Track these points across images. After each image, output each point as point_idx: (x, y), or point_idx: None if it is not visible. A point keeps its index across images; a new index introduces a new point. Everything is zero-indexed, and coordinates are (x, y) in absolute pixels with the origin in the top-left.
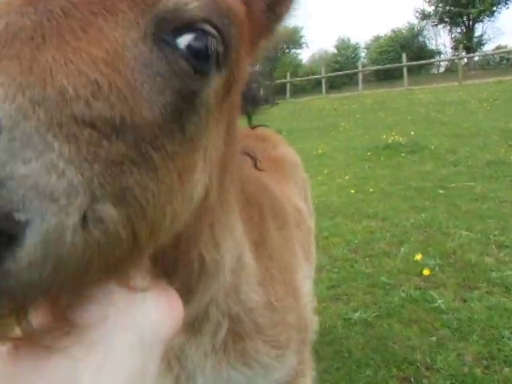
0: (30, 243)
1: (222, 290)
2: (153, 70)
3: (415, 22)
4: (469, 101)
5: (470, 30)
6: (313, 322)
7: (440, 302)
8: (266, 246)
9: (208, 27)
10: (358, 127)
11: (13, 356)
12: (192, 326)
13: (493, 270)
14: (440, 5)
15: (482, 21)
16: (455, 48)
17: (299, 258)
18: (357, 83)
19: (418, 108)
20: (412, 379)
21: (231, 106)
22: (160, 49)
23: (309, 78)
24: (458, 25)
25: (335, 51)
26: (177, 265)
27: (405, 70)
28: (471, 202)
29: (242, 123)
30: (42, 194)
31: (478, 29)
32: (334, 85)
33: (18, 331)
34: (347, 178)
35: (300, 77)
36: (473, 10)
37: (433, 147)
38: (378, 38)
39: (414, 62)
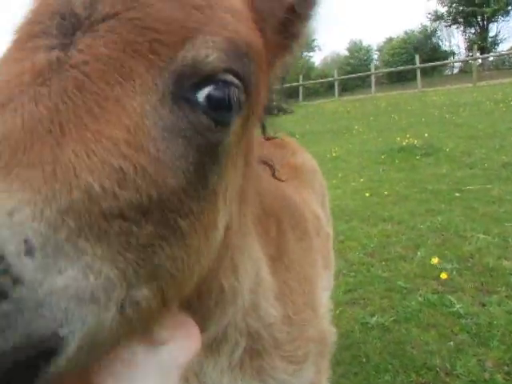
0: (71, 348)
1: (240, 311)
2: (174, 133)
3: (428, 23)
4: (484, 102)
5: (484, 29)
6: (331, 333)
7: (458, 306)
8: (284, 259)
9: (229, 77)
10: (371, 130)
11: None
12: (210, 347)
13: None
14: (453, 5)
15: (496, 20)
16: (469, 49)
17: (318, 269)
18: (369, 86)
19: (432, 110)
20: None
21: (249, 134)
22: (180, 108)
23: (321, 80)
24: (471, 25)
25: (347, 54)
26: (196, 296)
27: (418, 72)
28: (488, 205)
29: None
30: (83, 299)
31: (493, 29)
32: (347, 87)
33: None
34: (362, 181)
35: (313, 80)
36: (487, 10)
37: (448, 149)
38: (390, 40)
39: (428, 64)
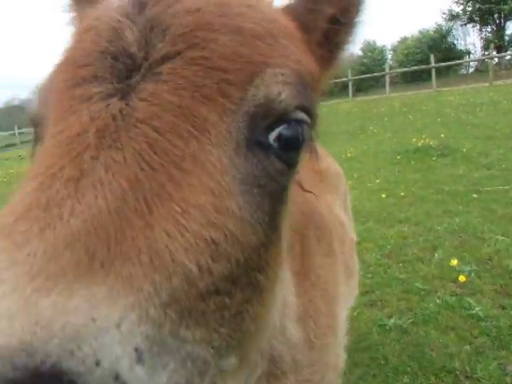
0: None
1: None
2: (250, 184)
3: (443, 22)
4: (500, 102)
5: (501, 28)
6: (343, 360)
7: (477, 309)
8: (311, 275)
9: (301, 115)
10: (386, 130)
11: None
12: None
13: None
14: (469, 3)
15: None
16: (485, 47)
17: (341, 286)
18: (384, 86)
19: (447, 110)
20: None
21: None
22: (254, 154)
23: (335, 80)
24: (488, 23)
25: (361, 54)
26: None
27: (433, 72)
28: (506, 206)
29: None
30: None
31: (510, 27)
32: (361, 88)
33: None
34: (377, 182)
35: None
36: (505, 7)
37: (465, 150)
38: (404, 40)
39: (443, 64)
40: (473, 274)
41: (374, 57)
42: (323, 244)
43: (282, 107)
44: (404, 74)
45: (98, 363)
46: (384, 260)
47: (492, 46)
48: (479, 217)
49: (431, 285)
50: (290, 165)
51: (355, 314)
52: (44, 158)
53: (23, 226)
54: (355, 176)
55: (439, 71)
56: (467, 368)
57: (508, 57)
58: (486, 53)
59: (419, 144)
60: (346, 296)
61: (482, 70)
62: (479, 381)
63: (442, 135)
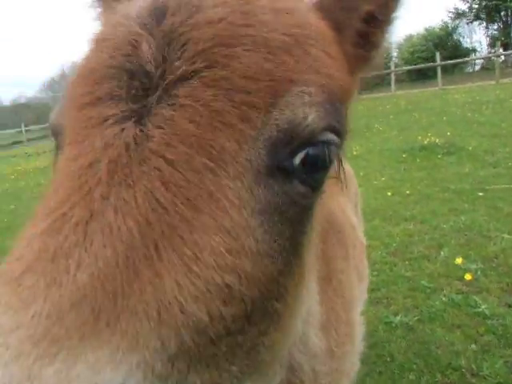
0: None
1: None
2: (269, 213)
3: (449, 20)
4: (507, 100)
5: (507, 25)
6: (357, 367)
7: (483, 307)
8: (333, 280)
9: (329, 136)
10: (392, 128)
11: None
12: None
13: None
14: (475, 0)
15: None
16: (492, 45)
17: (356, 291)
18: (389, 84)
19: (453, 108)
20: None
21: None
22: (275, 180)
23: None
24: (494, 21)
25: None
26: None
27: (439, 70)
28: None
29: None
30: None
31: None
32: (366, 86)
33: None
34: (383, 179)
35: None
36: (511, 4)
37: (470, 148)
38: (410, 38)
39: (449, 61)
40: (479, 272)
41: None
42: (342, 247)
43: (307, 132)
44: (409, 71)
45: None
46: (390, 258)
47: (498, 43)
48: (485, 215)
49: (437, 283)
50: (315, 187)
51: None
52: (56, 191)
53: (30, 279)
54: (361, 174)
55: (445, 69)
56: (473, 366)
57: None
58: (493, 50)
59: (425, 142)
60: (360, 301)
61: (488, 67)
62: (485, 378)
63: (448, 133)
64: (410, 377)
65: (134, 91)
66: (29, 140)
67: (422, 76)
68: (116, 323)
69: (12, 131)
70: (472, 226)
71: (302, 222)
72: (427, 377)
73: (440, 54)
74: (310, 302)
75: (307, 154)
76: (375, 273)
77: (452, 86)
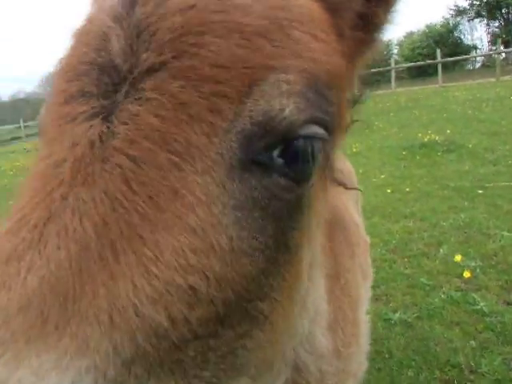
0: None
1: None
2: (248, 208)
3: (450, 17)
4: (507, 97)
5: (508, 22)
6: (364, 367)
7: (482, 304)
8: (341, 279)
9: (311, 129)
10: (392, 126)
11: None
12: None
13: None
14: None
15: None
16: (493, 42)
17: (361, 290)
18: (389, 81)
19: (453, 106)
20: (455, 382)
21: (331, 161)
22: (252, 175)
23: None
24: (495, 18)
25: None
26: None
27: (439, 67)
28: None
29: None
30: None
31: None
32: (366, 83)
33: None
34: (383, 177)
35: None
36: None
37: (470, 146)
38: (410, 34)
39: (449, 59)
40: (478, 270)
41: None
42: (349, 245)
43: (285, 125)
44: (410, 68)
45: None
46: (389, 255)
47: (499, 40)
48: (485, 213)
49: (436, 280)
50: (300, 180)
51: None
52: (23, 191)
53: None
54: (360, 171)
55: (445, 66)
56: (472, 363)
57: None
58: (494, 48)
59: (425, 139)
60: (365, 300)
61: (488, 65)
62: (483, 375)
63: (448, 131)
64: (409, 373)
65: (104, 87)
66: (27, 136)
67: (423, 73)
68: (65, 327)
69: (11, 127)
70: (471, 224)
71: (291, 216)
72: (426, 373)
73: (441, 51)
74: (318, 300)
75: (287, 149)
76: (374, 270)
77: (452, 84)
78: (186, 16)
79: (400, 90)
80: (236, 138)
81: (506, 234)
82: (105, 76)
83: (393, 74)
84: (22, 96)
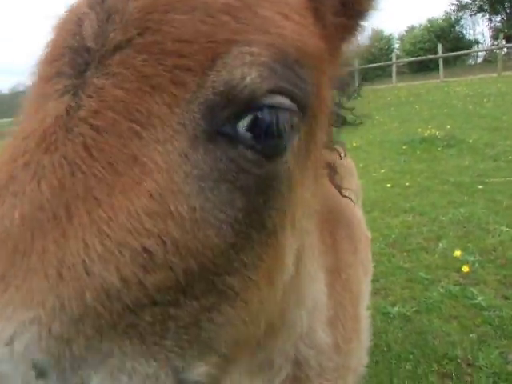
0: None
1: (293, 337)
2: (213, 180)
3: (452, 11)
4: (509, 93)
5: (511, 17)
6: (365, 363)
7: (480, 298)
8: (342, 274)
9: (277, 99)
10: (392, 120)
11: None
12: (251, 370)
13: None
14: None
15: None
16: (495, 37)
17: (363, 284)
18: (390, 75)
19: (454, 101)
20: (453, 375)
21: (318, 146)
22: (217, 146)
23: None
24: (498, 13)
25: (368, 43)
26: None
27: (440, 62)
28: None
29: None
30: None
31: None
32: (367, 77)
33: None
34: (383, 171)
35: None
36: None
37: (471, 141)
38: (412, 29)
39: (451, 53)
40: (476, 265)
41: (380, 46)
42: (352, 241)
43: (247, 93)
44: (411, 63)
45: None
46: (388, 249)
47: (501, 35)
48: (484, 208)
49: (435, 274)
50: (269, 155)
51: None
52: None
53: None
54: (360, 165)
55: (447, 61)
56: (469, 356)
57: None
58: (495, 43)
59: (425, 134)
60: (366, 296)
61: (490, 60)
62: (481, 369)
63: (449, 126)
64: (407, 366)
65: (77, 67)
66: None
67: (424, 68)
68: (12, 279)
69: (10, 120)
70: (471, 219)
71: (266, 194)
72: (424, 366)
73: (442, 45)
74: (317, 294)
75: (253, 119)
76: (374, 264)
77: (454, 79)
78: None
79: (401, 84)
80: (199, 109)
81: (505, 229)
82: (78, 57)
83: (394, 68)
84: (21, 89)
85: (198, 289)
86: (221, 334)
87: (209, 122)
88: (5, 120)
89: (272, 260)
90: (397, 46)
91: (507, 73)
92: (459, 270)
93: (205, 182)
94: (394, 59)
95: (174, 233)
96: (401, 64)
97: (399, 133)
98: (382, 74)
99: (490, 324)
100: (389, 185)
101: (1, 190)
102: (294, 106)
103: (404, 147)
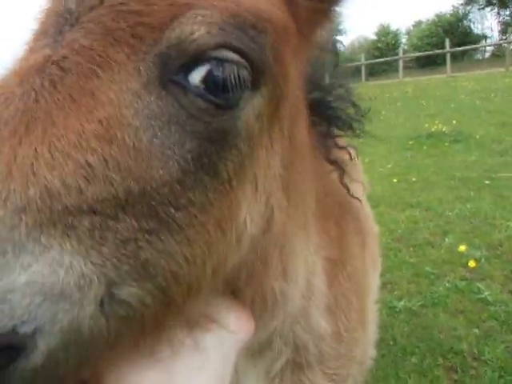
0: (43, 345)
1: (288, 317)
2: (164, 120)
3: (460, 5)
4: None
5: None
6: (372, 355)
7: (486, 293)
8: (347, 265)
9: (224, 53)
10: (399, 115)
11: None
12: (251, 353)
13: None
14: None
15: None
16: (503, 32)
17: (371, 278)
18: (397, 70)
19: (461, 96)
20: (458, 369)
21: (288, 118)
22: (169, 92)
23: (348, 65)
24: (506, 6)
25: (375, 38)
26: (253, 299)
27: (448, 57)
28: None
29: None
30: (51, 295)
31: None
32: (374, 72)
33: None
34: (389, 166)
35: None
36: None
37: (478, 136)
38: (419, 24)
39: (458, 48)
40: (483, 260)
41: (387, 41)
42: (360, 234)
43: (194, 46)
44: (418, 58)
45: None
46: (394, 244)
47: (510, 29)
48: (491, 203)
49: (441, 269)
50: (219, 105)
51: None
52: None
53: None
54: (366, 160)
55: (454, 56)
56: (475, 350)
57: None
58: (504, 37)
59: (432, 129)
60: (374, 289)
61: (498, 54)
62: (486, 363)
63: (456, 121)
64: (413, 360)
65: (59, 27)
66: None
67: (431, 63)
68: None
69: None
70: (477, 214)
71: (218, 144)
72: (429, 360)
73: (450, 40)
74: (310, 277)
75: (202, 71)
76: (380, 258)
77: (461, 74)
78: None
79: (407, 79)
80: (153, 59)
81: (511, 224)
82: (61, 18)
83: (400, 63)
84: None
85: (138, 210)
86: (159, 261)
87: (162, 70)
88: None
89: (224, 207)
90: (404, 40)
91: None
92: (465, 265)
93: (155, 121)
94: (400, 54)
95: (117, 155)
96: (408, 59)
97: (406, 128)
98: (389, 69)
99: (495, 319)
100: (395, 180)
101: None
102: (242, 61)
103: (410, 142)
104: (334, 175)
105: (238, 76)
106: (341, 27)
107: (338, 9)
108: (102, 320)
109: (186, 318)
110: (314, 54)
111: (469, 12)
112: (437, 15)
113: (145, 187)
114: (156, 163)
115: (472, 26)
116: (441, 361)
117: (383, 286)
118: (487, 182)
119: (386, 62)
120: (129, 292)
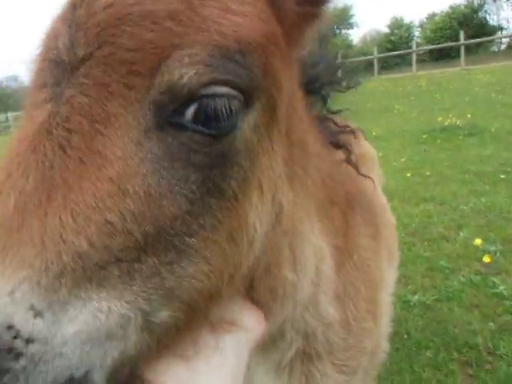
0: (97, 377)
1: (299, 305)
2: (167, 161)
3: None
4: None
5: None
6: (385, 348)
7: (502, 288)
8: (354, 255)
9: (213, 89)
10: (412, 109)
11: None
12: (262, 346)
13: None
14: None
15: None
16: None
17: (384, 272)
18: (410, 64)
19: (476, 89)
20: (473, 363)
21: (285, 117)
22: (168, 133)
23: (360, 58)
24: None
25: (388, 31)
26: (264, 292)
27: (462, 49)
28: None
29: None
30: (97, 338)
31: None
32: (387, 66)
33: None
34: (403, 160)
35: (351, 58)
36: None
37: (493, 130)
38: (433, 16)
39: (472, 40)
40: (498, 254)
41: (400, 34)
42: (371, 225)
43: (186, 90)
44: (431, 51)
45: None
46: (409, 238)
47: None
48: (506, 197)
49: (455, 263)
50: (216, 135)
51: None
52: None
53: None
54: (380, 155)
55: (469, 48)
56: (490, 344)
57: None
58: None
59: (446, 123)
60: (390, 282)
61: None
62: (501, 357)
63: (470, 115)
64: (427, 354)
65: (56, 77)
66: None
67: (445, 56)
68: (9, 249)
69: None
70: (492, 208)
71: (221, 167)
72: (444, 354)
73: (464, 32)
74: (320, 264)
75: (196, 108)
76: None
77: (476, 66)
78: (108, 12)
79: (421, 72)
80: (149, 106)
81: None
82: (56, 69)
83: (414, 56)
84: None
85: (157, 247)
86: (183, 284)
87: (158, 115)
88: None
89: (233, 221)
90: (417, 33)
91: None
92: (480, 260)
93: (159, 164)
94: (414, 47)
95: (131, 206)
96: (421, 52)
97: (419, 122)
98: (402, 62)
99: (511, 313)
100: (409, 174)
101: (1, 186)
102: (232, 92)
103: (424, 136)
104: (346, 168)
105: (229, 107)
106: (352, 21)
107: (328, 6)
108: (144, 341)
109: (208, 320)
110: (305, 47)
111: (484, 3)
112: (451, 7)
113: (159, 226)
114: (165, 202)
115: (487, 17)
116: (455, 355)
117: (397, 279)
118: (502, 176)
119: (399, 56)
120: (162, 315)
